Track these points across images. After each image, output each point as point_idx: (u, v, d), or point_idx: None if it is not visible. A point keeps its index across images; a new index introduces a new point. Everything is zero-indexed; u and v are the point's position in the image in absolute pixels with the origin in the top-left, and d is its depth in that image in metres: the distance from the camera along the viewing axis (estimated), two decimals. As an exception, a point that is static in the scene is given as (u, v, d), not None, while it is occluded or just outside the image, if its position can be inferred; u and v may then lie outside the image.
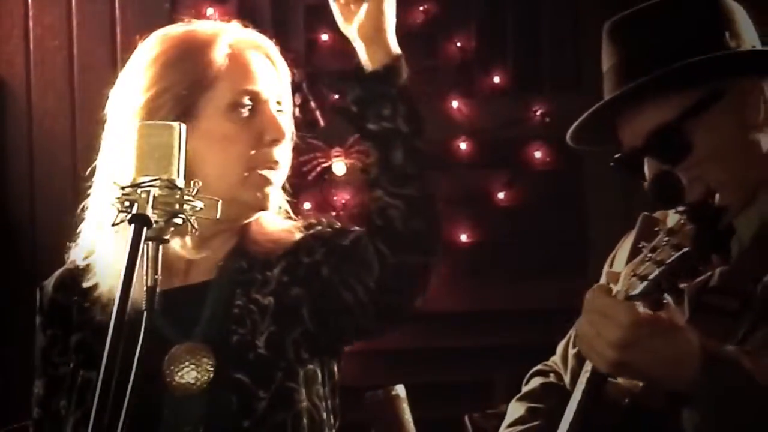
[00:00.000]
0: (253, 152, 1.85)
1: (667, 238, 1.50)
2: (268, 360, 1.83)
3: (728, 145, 1.75)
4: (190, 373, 1.80)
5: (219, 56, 1.84)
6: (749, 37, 1.81)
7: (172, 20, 2.01)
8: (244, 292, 1.87)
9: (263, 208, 1.88)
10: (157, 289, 1.37)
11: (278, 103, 1.90)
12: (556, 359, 2.09)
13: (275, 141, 1.86)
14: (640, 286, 1.53)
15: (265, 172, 1.86)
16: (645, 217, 1.92)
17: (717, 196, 1.49)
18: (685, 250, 1.48)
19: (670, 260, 1.50)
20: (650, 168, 1.77)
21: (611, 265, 2.02)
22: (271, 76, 1.90)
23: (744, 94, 1.77)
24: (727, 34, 1.77)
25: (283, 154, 1.89)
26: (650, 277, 1.52)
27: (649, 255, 1.52)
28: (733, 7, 1.83)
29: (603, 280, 2.03)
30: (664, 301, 1.53)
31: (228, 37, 1.88)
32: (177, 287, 1.86)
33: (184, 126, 1.44)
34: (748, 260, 1.71)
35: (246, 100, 1.85)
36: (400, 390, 2.86)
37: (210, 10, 3.92)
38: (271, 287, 1.88)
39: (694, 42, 1.75)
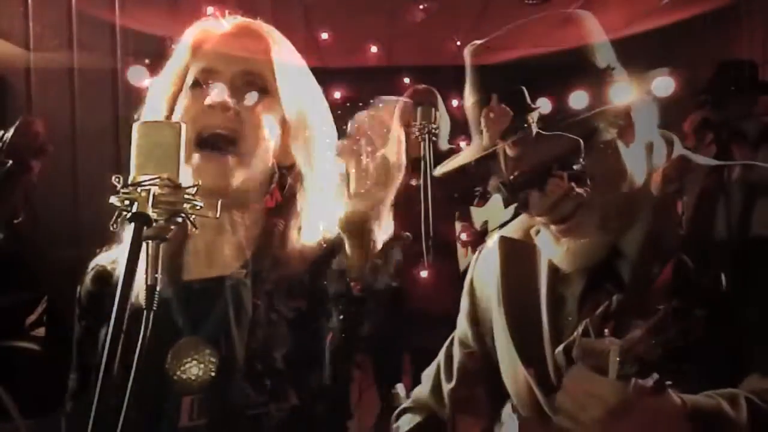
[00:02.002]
0: (195, 124, 1.78)
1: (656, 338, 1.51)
2: (285, 376, 1.76)
3: (613, 167, 1.79)
4: (192, 369, 1.77)
5: (190, 45, 1.87)
6: (604, 49, 1.82)
7: (171, 20, 2.01)
8: (267, 298, 1.80)
9: (220, 190, 1.76)
10: (158, 288, 1.37)
11: (247, 75, 1.84)
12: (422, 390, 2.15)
13: (210, 106, 1.79)
14: (633, 369, 1.54)
15: (207, 152, 1.77)
16: (504, 240, 1.97)
17: (723, 278, 1.49)
18: (679, 344, 1.49)
19: (660, 355, 1.50)
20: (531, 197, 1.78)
21: (471, 285, 2.07)
22: (239, 53, 1.85)
23: (617, 117, 1.79)
24: (587, 50, 1.79)
25: (243, 129, 1.80)
26: (643, 359, 1.52)
27: (634, 346, 1.53)
28: (584, 17, 1.83)
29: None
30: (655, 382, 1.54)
31: (206, 25, 1.90)
32: (195, 279, 1.82)
33: (184, 125, 1.44)
34: (640, 285, 1.72)
35: (205, 78, 1.83)
36: (399, 389, 2.86)
37: (210, 9, 3.91)
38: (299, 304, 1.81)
39: (564, 67, 1.76)
